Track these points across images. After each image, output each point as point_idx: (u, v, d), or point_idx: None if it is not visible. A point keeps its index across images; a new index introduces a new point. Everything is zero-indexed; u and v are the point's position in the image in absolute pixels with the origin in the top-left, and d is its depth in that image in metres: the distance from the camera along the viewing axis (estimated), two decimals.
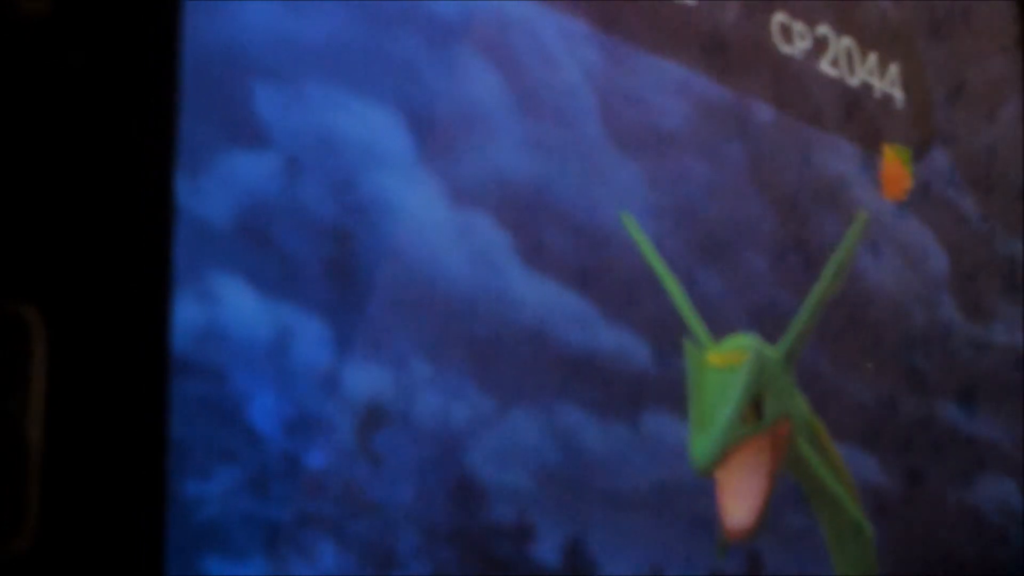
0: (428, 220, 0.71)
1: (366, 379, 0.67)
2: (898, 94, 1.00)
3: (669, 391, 0.80)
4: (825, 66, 0.96)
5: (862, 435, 0.90)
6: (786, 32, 0.94)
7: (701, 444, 0.77)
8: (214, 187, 0.64)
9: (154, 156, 0.61)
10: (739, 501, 0.77)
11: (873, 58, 0.99)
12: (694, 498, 0.79)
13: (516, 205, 0.75)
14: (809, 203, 0.92)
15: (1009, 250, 1.06)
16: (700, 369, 0.79)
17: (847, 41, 0.98)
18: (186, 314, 0.60)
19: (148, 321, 0.59)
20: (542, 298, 0.75)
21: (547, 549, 0.71)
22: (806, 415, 0.83)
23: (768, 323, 0.86)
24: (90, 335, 0.58)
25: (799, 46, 0.94)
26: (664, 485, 0.78)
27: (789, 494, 0.84)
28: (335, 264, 0.67)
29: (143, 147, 0.62)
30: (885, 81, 1.00)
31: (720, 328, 0.83)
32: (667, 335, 0.80)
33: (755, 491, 0.78)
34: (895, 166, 0.99)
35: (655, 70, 0.85)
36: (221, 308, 0.62)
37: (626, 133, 0.82)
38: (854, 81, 0.98)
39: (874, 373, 0.92)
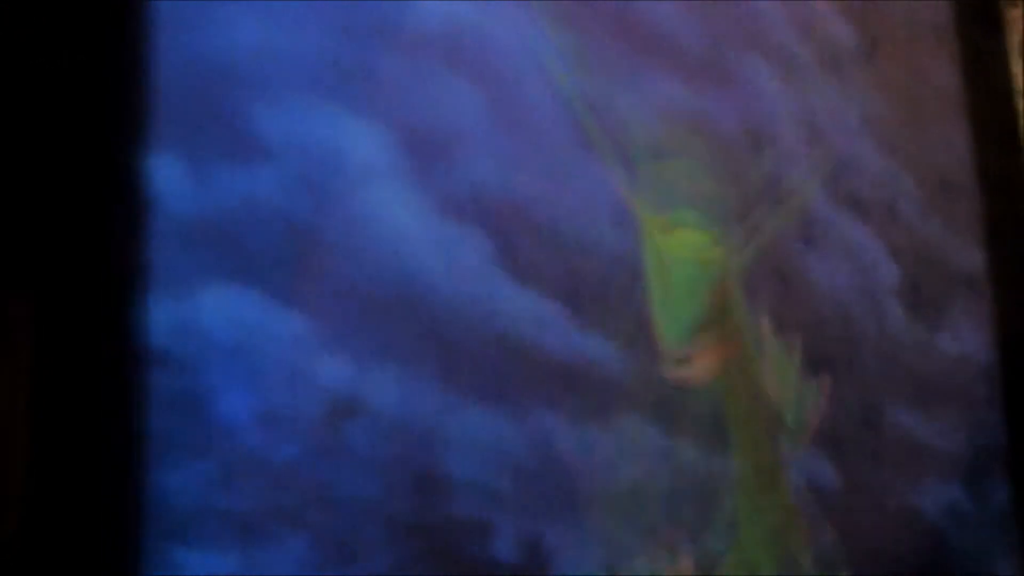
0: (410, 228, 0.73)
1: (336, 375, 0.68)
2: None
3: (641, 397, 0.82)
4: None
5: (811, 437, 0.92)
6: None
7: (673, 327, 0.81)
8: (196, 189, 0.65)
9: (129, 155, 0.63)
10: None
11: None
12: (654, 501, 0.81)
13: (498, 216, 0.77)
14: (768, 210, 0.94)
15: (961, 261, 1.09)
16: (657, 249, 0.82)
17: None
18: (161, 309, 0.62)
19: (123, 315, 0.60)
20: (520, 305, 0.77)
21: (506, 545, 0.73)
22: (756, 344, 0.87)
23: None
24: (66, 329, 0.60)
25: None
26: (627, 487, 0.80)
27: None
28: (310, 264, 0.69)
29: (118, 146, 0.63)
30: None
31: None
32: (642, 343, 0.83)
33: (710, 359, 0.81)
34: None
35: (629, 85, 0.87)
36: (195, 304, 0.64)
37: (601, 145, 0.84)
38: None
39: (824, 377, 0.94)
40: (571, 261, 0.81)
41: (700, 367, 0.81)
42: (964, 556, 1.01)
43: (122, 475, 0.59)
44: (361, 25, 0.74)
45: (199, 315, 0.64)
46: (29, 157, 0.60)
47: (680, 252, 0.83)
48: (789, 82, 0.98)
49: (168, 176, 0.64)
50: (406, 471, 0.70)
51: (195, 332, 0.64)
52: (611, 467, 0.79)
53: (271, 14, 0.70)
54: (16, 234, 0.60)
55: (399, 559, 0.68)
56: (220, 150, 0.67)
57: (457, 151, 0.77)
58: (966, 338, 1.07)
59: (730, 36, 0.96)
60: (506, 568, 0.73)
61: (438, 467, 0.71)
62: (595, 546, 0.77)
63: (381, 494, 0.68)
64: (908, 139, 1.07)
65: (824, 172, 0.99)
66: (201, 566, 0.61)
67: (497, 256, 0.77)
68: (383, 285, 0.72)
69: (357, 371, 0.69)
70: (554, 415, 0.77)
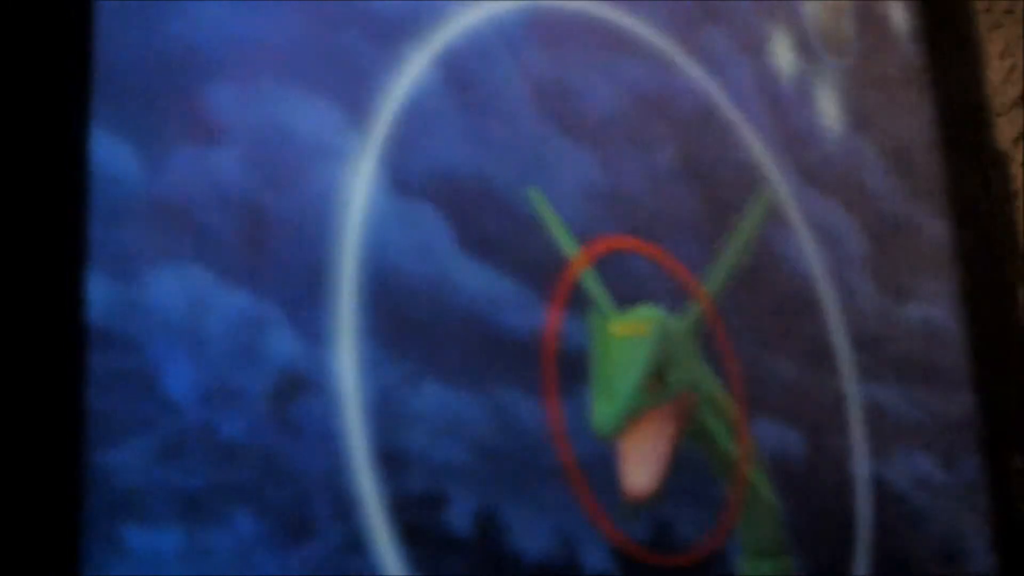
0: (366, 206, 0.73)
1: (286, 351, 0.69)
2: None
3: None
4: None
5: (779, 410, 0.92)
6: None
7: (605, 411, 0.79)
8: (146, 168, 0.66)
9: (73, 134, 0.63)
10: (640, 467, 0.79)
11: None
12: (610, 472, 0.81)
13: (455, 194, 0.77)
14: (732, 189, 0.95)
15: (928, 230, 1.09)
16: (604, 339, 0.81)
17: None
18: (103, 286, 0.62)
19: (65, 293, 0.61)
20: (478, 281, 0.77)
21: (460, 518, 0.73)
22: (712, 390, 0.85)
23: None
24: (6, 308, 0.60)
25: None
26: (585, 459, 0.80)
27: (700, 462, 0.86)
28: (262, 242, 0.69)
29: (61, 125, 0.63)
30: None
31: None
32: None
33: (657, 457, 0.80)
34: None
35: (588, 63, 0.87)
36: (143, 282, 0.64)
37: (561, 124, 0.85)
38: None
39: (792, 350, 0.94)
40: (530, 238, 0.81)
41: (632, 447, 0.80)
42: (934, 526, 1.01)
43: (64, 453, 0.59)
44: (317, 4, 0.74)
45: (146, 293, 0.64)
46: None
47: (622, 331, 0.83)
48: (750, 57, 0.98)
49: (117, 155, 0.65)
50: (359, 446, 0.70)
51: (141, 310, 0.64)
52: (572, 440, 0.79)
53: None
54: None
55: (351, 533, 0.68)
56: (173, 129, 0.67)
57: (414, 130, 0.77)
58: (934, 309, 1.07)
59: (692, 10, 0.96)
60: (461, 540, 0.73)
61: (393, 442, 0.71)
62: (552, 520, 0.77)
63: (333, 469, 0.69)
64: (872, 110, 1.07)
65: (788, 147, 0.99)
66: (146, 543, 0.61)
67: (454, 233, 0.77)
68: (337, 262, 0.72)
69: (308, 347, 0.69)
70: (512, 389, 0.77)
